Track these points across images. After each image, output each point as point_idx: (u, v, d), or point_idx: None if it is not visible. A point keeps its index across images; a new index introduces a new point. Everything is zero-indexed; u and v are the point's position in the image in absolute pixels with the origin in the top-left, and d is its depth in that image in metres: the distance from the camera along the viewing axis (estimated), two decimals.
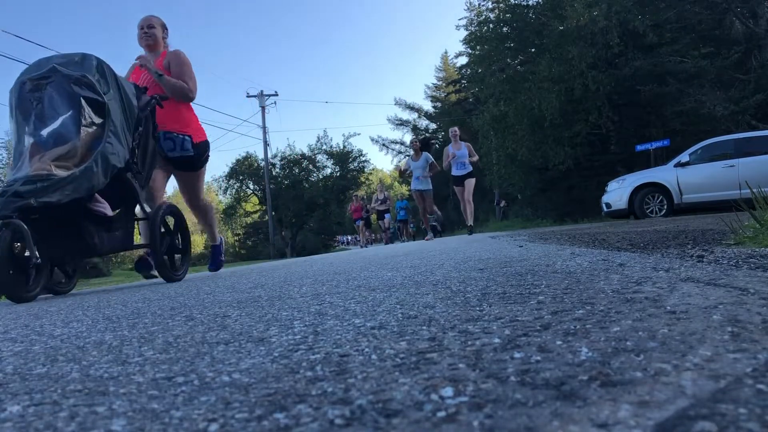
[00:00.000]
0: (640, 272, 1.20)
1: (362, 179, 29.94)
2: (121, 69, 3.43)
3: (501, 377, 0.51)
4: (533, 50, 18.14)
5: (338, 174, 29.16)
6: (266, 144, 25.08)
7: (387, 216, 15.71)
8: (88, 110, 2.76)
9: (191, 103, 3.85)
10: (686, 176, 8.81)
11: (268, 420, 0.45)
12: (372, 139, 40.12)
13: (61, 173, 2.57)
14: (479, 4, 19.52)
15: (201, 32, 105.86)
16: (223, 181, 29.13)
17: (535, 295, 1.01)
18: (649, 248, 1.96)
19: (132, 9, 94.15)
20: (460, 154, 8.77)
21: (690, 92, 13.77)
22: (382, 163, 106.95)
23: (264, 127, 25.22)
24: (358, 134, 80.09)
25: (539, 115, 16.04)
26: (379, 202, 15.74)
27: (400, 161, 39.57)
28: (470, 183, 8.85)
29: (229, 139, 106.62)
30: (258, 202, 29.69)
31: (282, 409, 0.48)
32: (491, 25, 18.77)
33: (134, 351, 0.85)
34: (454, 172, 8.92)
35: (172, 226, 3.67)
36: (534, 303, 0.91)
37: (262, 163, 25.96)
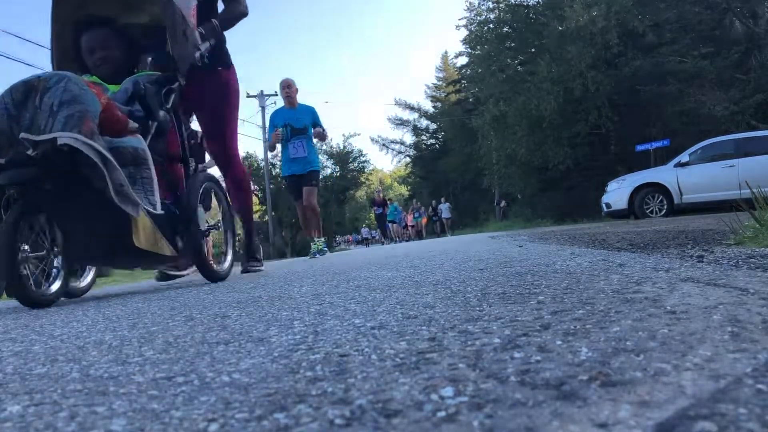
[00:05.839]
0: (640, 272, 1.20)
1: (362, 179, 30.06)
2: None
3: (501, 377, 0.51)
4: (533, 50, 18.17)
5: (338, 174, 29.22)
6: (266, 144, 25.11)
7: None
8: None
9: None
10: (686, 176, 8.81)
11: (268, 420, 0.45)
12: (372, 139, 40.11)
13: None
14: (479, 4, 19.56)
15: None
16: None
17: (535, 295, 1.01)
18: (649, 248, 1.96)
19: None
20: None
21: (690, 92, 13.79)
22: (383, 163, 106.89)
23: (264, 127, 25.23)
24: (358, 134, 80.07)
25: (539, 115, 16.05)
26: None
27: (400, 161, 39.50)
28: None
29: None
30: (258, 202, 29.73)
31: (282, 409, 0.48)
32: (491, 26, 18.81)
33: (134, 351, 0.85)
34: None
35: None
36: (534, 303, 0.91)
37: (262, 163, 25.98)
